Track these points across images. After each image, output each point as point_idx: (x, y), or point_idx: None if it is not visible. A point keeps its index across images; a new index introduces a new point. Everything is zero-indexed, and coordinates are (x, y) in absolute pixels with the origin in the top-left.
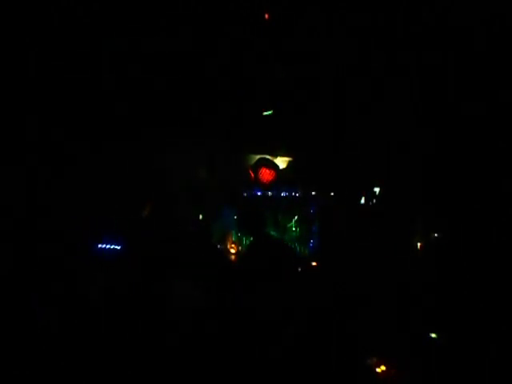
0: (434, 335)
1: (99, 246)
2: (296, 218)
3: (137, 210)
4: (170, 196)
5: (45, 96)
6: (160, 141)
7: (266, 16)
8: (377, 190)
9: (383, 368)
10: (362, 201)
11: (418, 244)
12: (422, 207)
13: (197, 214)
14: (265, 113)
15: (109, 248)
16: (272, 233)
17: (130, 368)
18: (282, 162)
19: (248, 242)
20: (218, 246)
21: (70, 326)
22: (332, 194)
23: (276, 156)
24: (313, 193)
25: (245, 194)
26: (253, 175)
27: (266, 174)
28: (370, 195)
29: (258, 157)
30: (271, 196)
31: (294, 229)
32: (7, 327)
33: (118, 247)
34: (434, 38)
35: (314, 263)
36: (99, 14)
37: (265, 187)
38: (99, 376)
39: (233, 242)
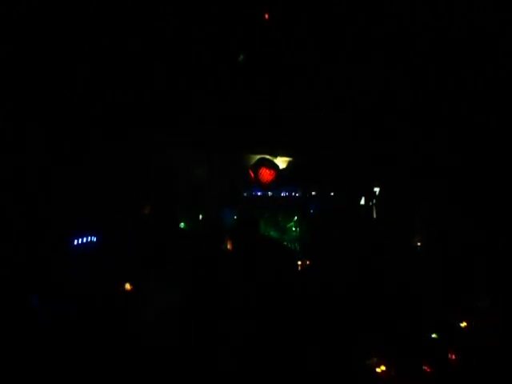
0: (434, 335)
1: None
2: (296, 218)
3: (136, 210)
4: (169, 196)
5: (44, 94)
6: (160, 141)
7: (266, 16)
8: (377, 190)
9: (383, 368)
10: (362, 201)
11: (418, 244)
12: (421, 207)
13: (197, 214)
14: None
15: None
16: (272, 233)
17: (126, 367)
18: (282, 161)
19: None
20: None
21: (70, 325)
22: (332, 194)
23: (276, 156)
24: (313, 193)
25: (245, 194)
26: (253, 175)
27: (265, 174)
28: (370, 195)
29: (258, 157)
30: (271, 196)
31: (293, 229)
32: (7, 327)
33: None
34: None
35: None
36: (103, 14)
37: (265, 187)
38: (98, 375)
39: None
